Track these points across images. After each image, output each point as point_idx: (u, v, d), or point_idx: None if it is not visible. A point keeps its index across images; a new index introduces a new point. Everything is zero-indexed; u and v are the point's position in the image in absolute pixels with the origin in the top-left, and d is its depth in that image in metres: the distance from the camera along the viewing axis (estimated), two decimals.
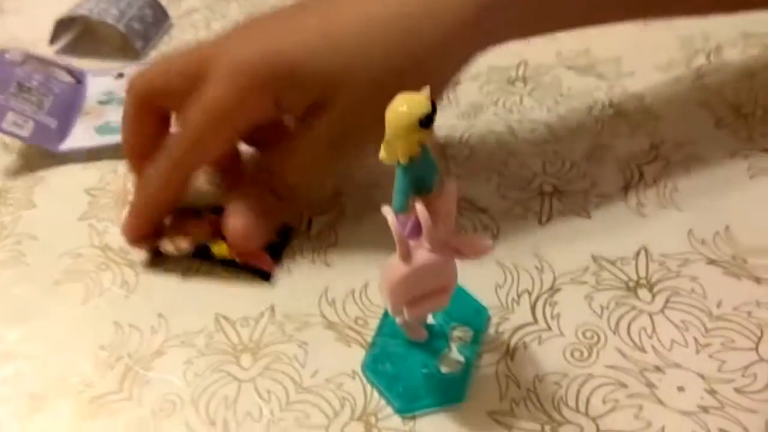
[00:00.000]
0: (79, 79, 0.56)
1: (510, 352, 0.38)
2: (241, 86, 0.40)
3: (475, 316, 0.40)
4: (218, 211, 0.44)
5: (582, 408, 0.36)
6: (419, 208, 0.31)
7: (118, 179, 0.50)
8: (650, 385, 0.37)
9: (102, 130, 0.53)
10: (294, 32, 0.40)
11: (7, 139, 0.53)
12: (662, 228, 0.44)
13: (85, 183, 0.50)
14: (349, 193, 0.47)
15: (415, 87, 0.30)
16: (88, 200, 0.49)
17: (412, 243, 0.33)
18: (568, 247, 0.43)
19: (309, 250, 0.44)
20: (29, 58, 0.54)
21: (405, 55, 0.40)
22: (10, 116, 0.50)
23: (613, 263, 0.42)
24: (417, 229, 0.32)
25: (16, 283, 0.44)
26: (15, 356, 0.40)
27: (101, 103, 0.55)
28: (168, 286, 0.43)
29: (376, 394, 0.37)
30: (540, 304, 0.40)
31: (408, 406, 0.36)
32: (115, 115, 0.54)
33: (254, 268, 0.43)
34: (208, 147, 0.42)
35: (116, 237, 0.46)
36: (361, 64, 0.40)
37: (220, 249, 0.43)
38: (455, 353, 0.38)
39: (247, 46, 0.41)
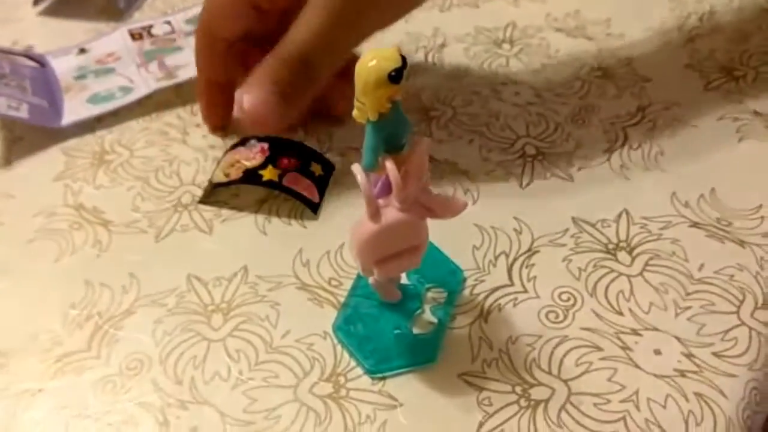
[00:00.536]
0: (41, 62, 0.55)
1: (484, 314, 0.38)
2: None
3: (449, 277, 0.39)
4: (266, 139, 0.45)
5: (555, 370, 0.35)
6: (389, 165, 0.30)
7: (95, 139, 0.49)
8: (626, 347, 0.36)
9: (94, 100, 0.52)
10: None
11: None
12: (645, 191, 0.43)
13: (62, 143, 0.49)
14: (327, 154, 0.46)
15: None
16: (65, 160, 0.48)
17: (381, 201, 0.32)
18: (549, 210, 0.42)
19: (285, 212, 0.44)
20: None
21: None
22: (2, 101, 0.49)
23: (593, 225, 0.41)
24: (387, 188, 0.32)
25: None
26: None
27: (77, 78, 0.54)
28: (141, 245, 0.42)
29: (346, 355, 0.36)
30: (517, 266, 0.40)
31: (378, 367, 0.36)
32: (98, 86, 0.53)
33: (302, 196, 0.43)
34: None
35: (91, 197, 0.45)
36: None
37: (268, 173, 0.43)
38: (429, 314, 0.38)
39: None
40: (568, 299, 0.38)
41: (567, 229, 0.41)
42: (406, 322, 0.37)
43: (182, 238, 0.43)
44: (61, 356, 0.37)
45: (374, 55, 0.28)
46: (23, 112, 0.49)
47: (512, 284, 0.39)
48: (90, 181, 0.46)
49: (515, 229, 0.41)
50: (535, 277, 0.39)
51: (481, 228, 0.42)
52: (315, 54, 0.41)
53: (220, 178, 0.43)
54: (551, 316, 0.37)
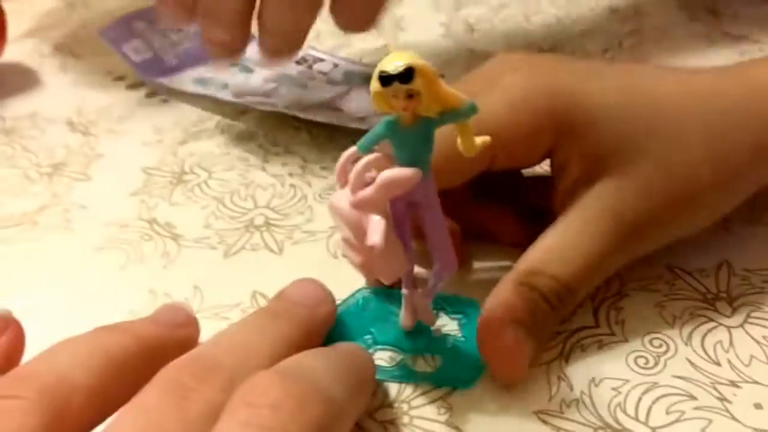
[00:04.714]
0: None
1: (565, 354, 0.34)
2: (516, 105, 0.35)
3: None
4: None
5: (642, 416, 0.32)
6: (373, 155, 0.29)
7: (176, 161, 0.49)
8: (723, 399, 0.32)
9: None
10: (595, 77, 0.36)
11: (74, 116, 0.53)
12: (748, 244, 0.40)
13: (144, 162, 0.49)
14: None
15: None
16: (144, 178, 0.47)
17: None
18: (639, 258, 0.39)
19: None
20: None
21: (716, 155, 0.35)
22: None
23: (689, 273, 0.38)
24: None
25: (58, 247, 0.43)
26: (45, 312, 0.38)
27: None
28: (208, 261, 0.41)
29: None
30: (604, 308, 0.37)
31: None
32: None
33: None
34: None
35: (165, 212, 0.44)
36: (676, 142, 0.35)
37: None
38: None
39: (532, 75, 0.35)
40: (660, 345, 0.35)
41: (661, 276, 0.38)
42: None
43: (251, 257, 0.41)
44: None
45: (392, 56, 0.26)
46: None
47: (597, 326, 0.36)
48: (167, 198, 0.46)
49: None
50: (623, 321, 0.36)
51: None
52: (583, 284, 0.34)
53: None
54: (640, 361, 0.34)
